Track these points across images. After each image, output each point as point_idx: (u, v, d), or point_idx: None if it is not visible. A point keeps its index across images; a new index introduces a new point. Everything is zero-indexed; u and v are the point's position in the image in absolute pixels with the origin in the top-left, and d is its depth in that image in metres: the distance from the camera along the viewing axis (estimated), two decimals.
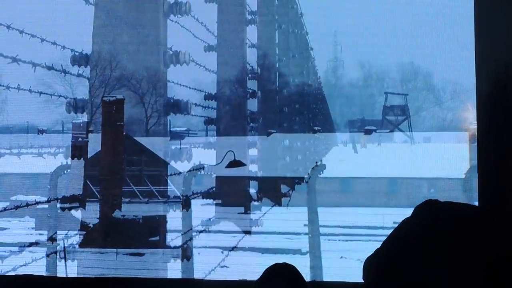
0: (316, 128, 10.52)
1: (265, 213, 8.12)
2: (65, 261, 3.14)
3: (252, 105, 7.76)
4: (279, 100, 10.40)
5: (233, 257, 5.59)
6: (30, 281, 1.80)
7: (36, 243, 3.24)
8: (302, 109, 15.65)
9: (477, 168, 1.51)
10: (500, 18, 1.41)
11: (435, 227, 1.13)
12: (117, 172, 5.10)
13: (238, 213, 8.30)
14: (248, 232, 6.74)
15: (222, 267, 4.88)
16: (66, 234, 3.23)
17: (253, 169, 7.22)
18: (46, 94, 3.04)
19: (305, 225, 6.96)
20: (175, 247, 5.34)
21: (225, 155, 6.49)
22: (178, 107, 3.46)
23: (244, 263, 5.13)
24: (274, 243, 6.36)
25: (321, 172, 9.36)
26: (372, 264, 1.23)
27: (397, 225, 1.23)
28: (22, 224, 3.41)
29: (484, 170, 1.49)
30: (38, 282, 1.77)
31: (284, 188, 10.62)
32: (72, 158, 3.80)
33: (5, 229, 4.83)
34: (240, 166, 6.57)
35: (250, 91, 7.05)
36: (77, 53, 3.32)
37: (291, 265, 1.37)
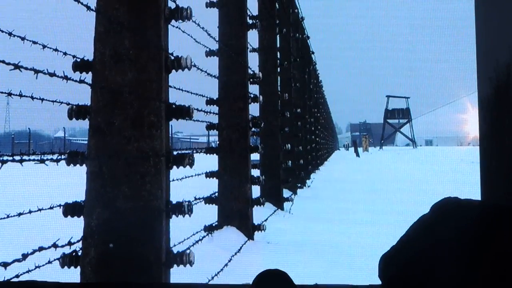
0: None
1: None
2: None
3: (254, 109, 7.78)
4: (280, 104, 10.43)
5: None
6: (33, 287, 1.80)
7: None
8: (304, 113, 15.68)
9: (479, 170, 1.51)
10: (501, 19, 1.41)
11: (454, 226, 1.12)
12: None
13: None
14: None
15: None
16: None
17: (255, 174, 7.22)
18: (48, 100, 3.03)
19: None
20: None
21: None
22: (180, 112, 3.46)
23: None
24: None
25: None
26: (388, 262, 1.22)
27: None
28: None
29: (486, 172, 1.50)
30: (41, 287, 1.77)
31: (286, 193, 10.63)
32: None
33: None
34: None
35: (252, 95, 7.07)
36: (78, 60, 3.32)
37: (283, 271, 1.36)
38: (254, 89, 7.38)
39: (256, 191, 7.83)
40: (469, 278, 1.05)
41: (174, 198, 3.48)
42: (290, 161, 11.66)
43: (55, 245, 3.00)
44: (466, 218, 1.12)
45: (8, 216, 2.87)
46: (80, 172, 3.36)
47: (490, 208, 1.15)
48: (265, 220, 7.31)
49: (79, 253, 3.24)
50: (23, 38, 2.85)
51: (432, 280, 1.09)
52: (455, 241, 1.09)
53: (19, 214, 2.98)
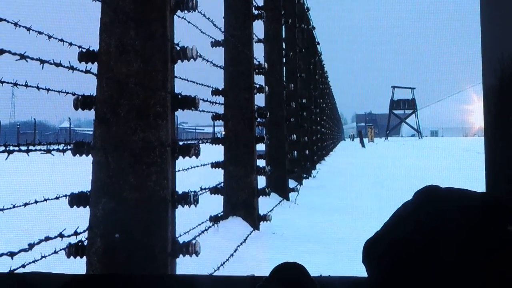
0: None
1: None
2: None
3: (260, 100, 7.77)
4: (286, 95, 10.43)
5: None
6: (38, 278, 1.81)
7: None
8: (309, 104, 15.67)
9: (484, 161, 1.52)
10: (506, 11, 1.41)
11: (434, 213, 1.17)
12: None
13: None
14: None
15: None
16: None
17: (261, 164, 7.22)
18: (54, 91, 3.04)
19: None
20: None
21: None
22: (186, 102, 3.46)
23: None
24: None
25: None
26: (371, 247, 1.26)
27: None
28: None
29: (491, 161, 1.50)
30: (46, 279, 1.78)
31: (291, 183, 10.64)
32: None
33: None
34: None
35: (258, 86, 7.06)
36: (84, 50, 3.32)
37: (301, 264, 1.36)
38: (259, 79, 7.38)
39: (261, 181, 7.84)
40: (444, 260, 1.09)
41: (180, 188, 3.49)
42: (295, 152, 11.66)
43: (61, 235, 3.02)
44: (445, 204, 1.17)
45: (14, 206, 2.88)
46: (85, 162, 3.37)
47: (472, 196, 1.20)
48: (271, 211, 7.32)
49: (85, 243, 3.25)
50: (28, 29, 2.86)
51: (412, 263, 1.13)
52: (433, 225, 1.14)
53: (25, 204, 2.99)
